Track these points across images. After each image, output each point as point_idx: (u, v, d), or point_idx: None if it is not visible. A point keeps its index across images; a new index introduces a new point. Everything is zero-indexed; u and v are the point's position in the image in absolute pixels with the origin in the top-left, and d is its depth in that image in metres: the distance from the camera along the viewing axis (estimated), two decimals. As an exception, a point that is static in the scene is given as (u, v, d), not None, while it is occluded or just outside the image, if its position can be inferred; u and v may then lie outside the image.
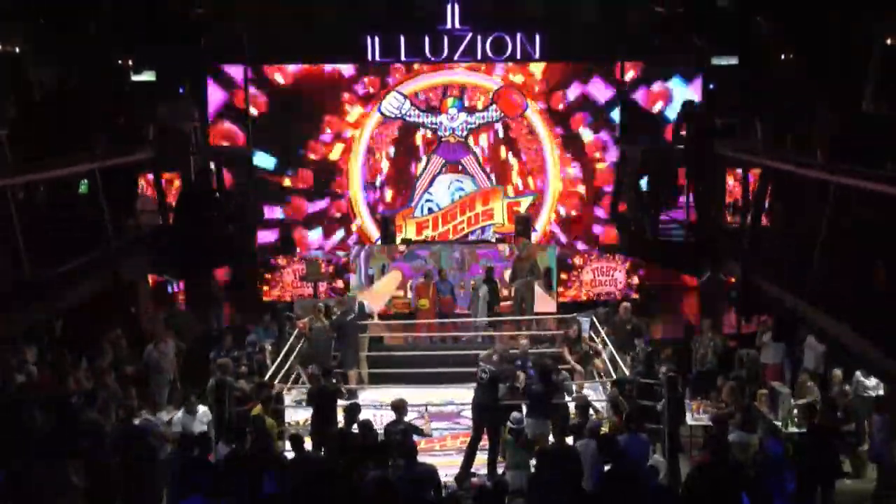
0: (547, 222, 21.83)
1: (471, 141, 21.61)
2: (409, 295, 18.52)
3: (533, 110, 21.44)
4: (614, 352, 14.83)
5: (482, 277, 17.77)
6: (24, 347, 13.04)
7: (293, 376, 14.89)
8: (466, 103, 21.50)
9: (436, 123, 21.54)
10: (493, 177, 21.73)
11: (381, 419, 12.28)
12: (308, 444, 11.76)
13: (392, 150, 21.65)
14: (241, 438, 10.97)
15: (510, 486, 10.62)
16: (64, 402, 12.46)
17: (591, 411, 12.50)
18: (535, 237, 20.26)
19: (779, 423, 12.70)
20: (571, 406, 12.52)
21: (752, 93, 16.28)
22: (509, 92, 21.46)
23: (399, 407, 11.71)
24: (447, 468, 12.42)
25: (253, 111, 19.52)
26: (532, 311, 17.43)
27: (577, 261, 19.85)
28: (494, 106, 21.48)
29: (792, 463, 10.87)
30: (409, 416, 12.48)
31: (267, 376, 13.75)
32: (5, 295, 7.47)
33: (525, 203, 21.60)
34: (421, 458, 10.47)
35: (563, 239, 21.63)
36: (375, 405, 13.20)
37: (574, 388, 13.35)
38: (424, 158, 21.67)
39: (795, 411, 12.74)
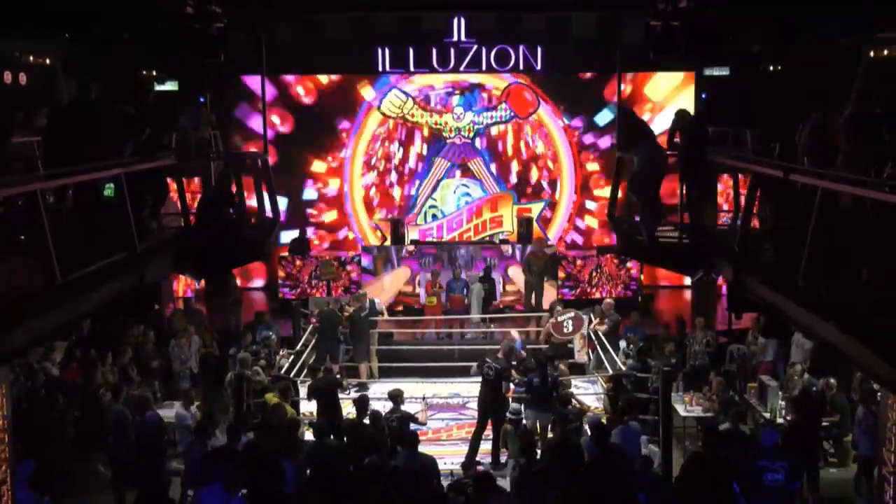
0: (565, 227, 20.93)
1: (478, 142, 20.46)
2: (418, 290, 18.34)
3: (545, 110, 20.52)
4: (608, 346, 14.88)
5: (478, 275, 17.69)
6: (55, 346, 13.11)
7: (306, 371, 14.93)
8: (474, 101, 20.42)
9: (440, 123, 20.41)
10: (502, 181, 20.51)
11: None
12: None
13: (393, 151, 20.58)
14: (259, 428, 11.01)
15: (512, 473, 10.62)
16: (91, 396, 12.53)
17: (575, 403, 12.52)
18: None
19: (767, 415, 12.73)
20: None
21: (743, 102, 16.30)
22: (521, 89, 20.41)
23: (396, 396, 11.78)
24: (453, 457, 12.48)
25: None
26: (542, 307, 17.42)
27: (579, 261, 19.73)
28: (504, 104, 20.40)
29: (782, 453, 10.86)
30: (415, 408, 12.54)
31: (283, 369, 13.80)
32: (36, 297, 7.45)
33: (537, 209, 20.56)
34: (427, 448, 10.47)
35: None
36: (386, 397, 13.22)
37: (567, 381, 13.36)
38: (427, 161, 20.55)
39: (782, 403, 12.76)
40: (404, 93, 20.43)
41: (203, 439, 10.56)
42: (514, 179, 20.72)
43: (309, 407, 13.80)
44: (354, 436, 10.90)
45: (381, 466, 9.59)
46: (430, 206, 20.62)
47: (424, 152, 20.67)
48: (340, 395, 12.92)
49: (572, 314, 15.97)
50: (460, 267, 17.92)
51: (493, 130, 20.59)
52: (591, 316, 15.93)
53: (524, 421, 11.88)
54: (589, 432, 10.93)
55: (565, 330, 15.69)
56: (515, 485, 10.04)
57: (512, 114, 20.48)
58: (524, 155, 20.72)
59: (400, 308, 18.37)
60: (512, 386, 12.76)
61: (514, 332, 14.00)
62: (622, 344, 14.82)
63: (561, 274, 18.78)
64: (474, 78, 20.39)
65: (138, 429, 11.21)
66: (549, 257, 17.71)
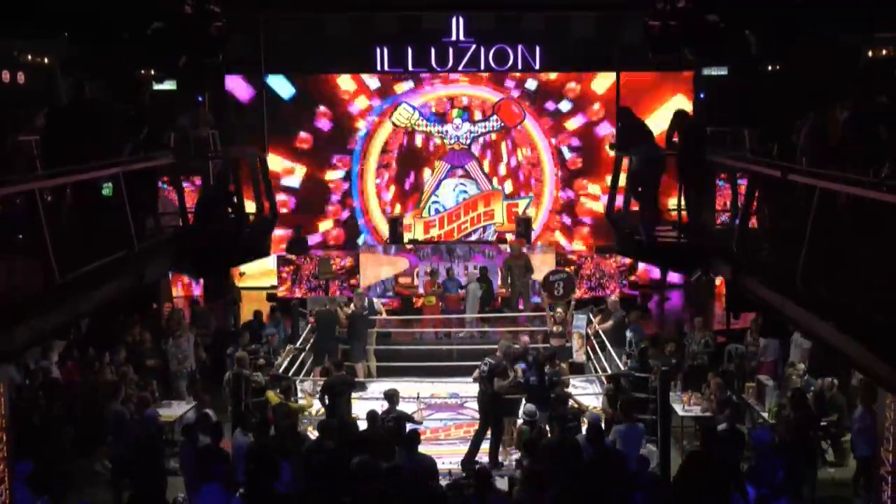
0: (545, 223, 22.12)
1: (474, 148, 22.03)
2: (416, 281, 18.64)
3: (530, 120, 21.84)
4: (608, 345, 14.91)
5: (476, 276, 17.77)
6: (52, 345, 13.10)
7: (305, 369, 14.93)
8: (470, 114, 21.93)
9: (442, 132, 22.04)
10: (494, 180, 22.10)
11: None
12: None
13: (403, 156, 22.12)
14: (258, 428, 10.99)
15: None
16: (91, 395, 12.51)
17: (573, 403, 12.50)
18: (532, 236, 20.22)
19: (766, 415, 12.73)
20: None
21: (741, 101, 16.29)
22: (509, 103, 21.85)
23: (391, 396, 11.78)
24: (450, 457, 12.48)
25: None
26: (529, 308, 17.43)
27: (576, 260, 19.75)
28: (496, 116, 21.90)
29: (779, 451, 10.89)
30: (411, 408, 12.56)
31: (281, 369, 13.80)
32: (35, 297, 7.45)
33: (523, 204, 22.05)
34: (425, 447, 10.46)
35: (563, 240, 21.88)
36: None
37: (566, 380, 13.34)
38: (432, 164, 22.13)
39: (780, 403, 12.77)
40: (412, 106, 21.87)
41: (193, 440, 10.54)
42: (503, 179, 22.27)
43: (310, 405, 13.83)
44: (346, 435, 10.88)
45: (372, 466, 9.55)
46: (433, 202, 22.26)
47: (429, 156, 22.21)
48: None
49: (564, 275, 15.88)
50: (456, 264, 18.47)
51: (487, 138, 22.14)
52: (591, 315, 15.94)
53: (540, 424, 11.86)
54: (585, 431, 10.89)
55: (556, 292, 15.61)
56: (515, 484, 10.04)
57: (502, 124, 22.01)
58: (511, 158, 22.17)
59: (395, 298, 18.71)
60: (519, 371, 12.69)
61: (525, 338, 13.96)
62: (626, 342, 14.77)
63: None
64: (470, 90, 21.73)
65: (137, 428, 11.19)
66: (528, 257, 17.60)
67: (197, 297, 19.01)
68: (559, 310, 15.43)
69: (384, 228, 21.60)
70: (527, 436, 11.27)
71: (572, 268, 18.68)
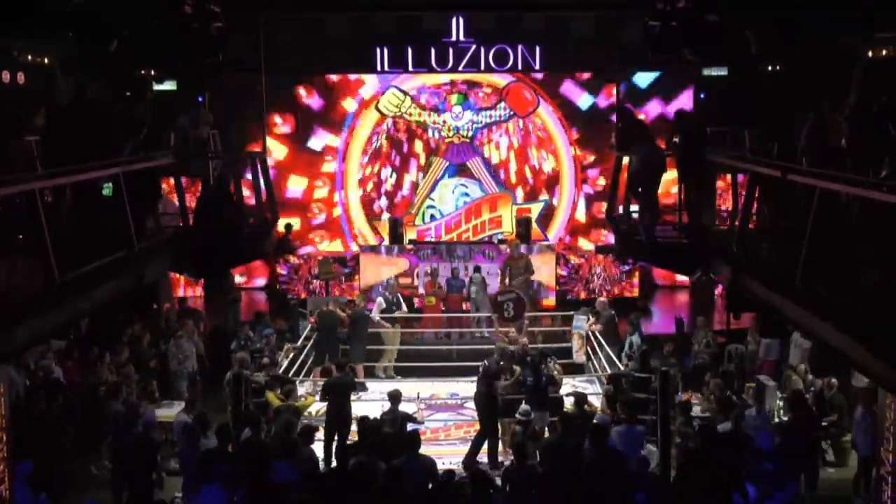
0: (565, 228, 20.47)
1: (477, 141, 20.18)
2: (417, 282, 18.11)
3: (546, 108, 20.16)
4: (605, 345, 14.90)
5: (480, 277, 17.57)
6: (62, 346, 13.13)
7: (305, 370, 14.93)
8: (473, 101, 20.15)
9: (439, 122, 20.15)
10: (501, 181, 20.21)
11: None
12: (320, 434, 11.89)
13: (391, 151, 20.24)
14: (256, 428, 10.98)
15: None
16: (91, 395, 12.52)
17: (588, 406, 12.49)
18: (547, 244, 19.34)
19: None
20: (567, 400, 12.59)
21: (741, 102, 16.32)
22: (520, 88, 20.17)
23: (395, 397, 11.83)
24: (450, 457, 12.48)
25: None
26: (530, 308, 17.37)
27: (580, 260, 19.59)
28: (503, 103, 20.18)
29: (776, 453, 10.90)
30: (411, 408, 12.57)
31: (281, 370, 13.80)
32: (35, 297, 7.46)
33: (536, 210, 20.23)
34: (425, 448, 10.47)
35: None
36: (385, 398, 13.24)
37: (559, 378, 13.31)
38: (426, 161, 20.24)
39: (780, 403, 12.78)
40: (402, 91, 20.22)
41: (194, 442, 10.53)
42: (513, 179, 20.45)
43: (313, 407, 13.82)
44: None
45: (372, 467, 9.54)
46: (429, 207, 20.38)
47: (423, 152, 20.46)
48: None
49: (514, 296, 15.56)
50: (457, 264, 17.81)
51: (493, 129, 20.35)
52: (589, 316, 15.95)
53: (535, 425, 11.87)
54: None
55: (506, 314, 15.30)
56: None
57: (511, 113, 20.27)
58: (523, 154, 20.41)
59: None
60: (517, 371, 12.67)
61: (523, 339, 13.92)
62: (628, 343, 14.72)
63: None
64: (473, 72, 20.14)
65: (136, 428, 11.19)
66: (528, 258, 17.30)
67: (189, 297, 18.95)
68: (512, 331, 14.76)
69: (369, 234, 20.28)
70: (520, 437, 11.30)
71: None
